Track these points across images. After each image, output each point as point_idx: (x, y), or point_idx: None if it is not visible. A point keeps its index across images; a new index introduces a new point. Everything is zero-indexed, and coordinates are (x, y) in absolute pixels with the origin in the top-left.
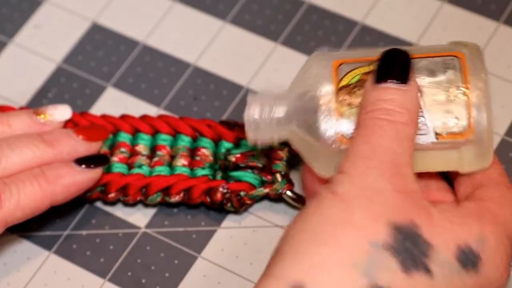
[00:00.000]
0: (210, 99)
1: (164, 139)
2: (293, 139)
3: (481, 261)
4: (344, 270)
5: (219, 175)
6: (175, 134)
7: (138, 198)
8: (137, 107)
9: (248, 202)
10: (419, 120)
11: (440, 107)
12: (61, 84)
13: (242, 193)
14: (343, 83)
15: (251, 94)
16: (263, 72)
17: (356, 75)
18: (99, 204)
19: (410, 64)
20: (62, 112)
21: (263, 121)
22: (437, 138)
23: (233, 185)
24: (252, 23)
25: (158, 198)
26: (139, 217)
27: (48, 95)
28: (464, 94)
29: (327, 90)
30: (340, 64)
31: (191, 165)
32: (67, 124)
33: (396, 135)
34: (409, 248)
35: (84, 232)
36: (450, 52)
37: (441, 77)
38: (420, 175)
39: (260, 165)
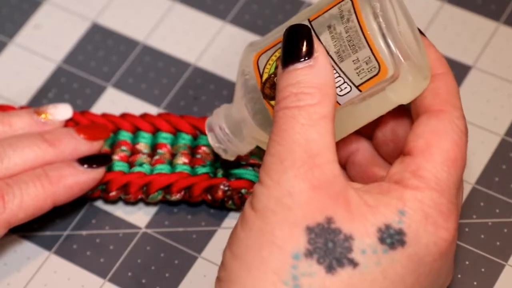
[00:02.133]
0: (210, 99)
1: (164, 137)
2: (260, 143)
3: (405, 235)
4: None
5: (220, 173)
6: (176, 132)
7: (139, 197)
8: (137, 107)
9: None
10: (336, 80)
11: (349, 59)
12: (61, 84)
13: (243, 191)
14: (265, 76)
15: (208, 119)
16: None
17: (273, 63)
18: (99, 204)
19: (311, 36)
20: (62, 111)
21: (224, 141)
22: (360, 90)
23: (234, 183)
24: (252, 23)
25: (159, 196)
26: (139, 217)
27: (48, 95)
28: (363, 35)
29: (255, 88)
30: (259, 56)
31: (192, 163)
32: (67, 123)
33: (309, 120)
34: (330, 248)
35: (84, 232)
36: None
37: (340, 28)
38: (383, 122)
39: (260, 162)
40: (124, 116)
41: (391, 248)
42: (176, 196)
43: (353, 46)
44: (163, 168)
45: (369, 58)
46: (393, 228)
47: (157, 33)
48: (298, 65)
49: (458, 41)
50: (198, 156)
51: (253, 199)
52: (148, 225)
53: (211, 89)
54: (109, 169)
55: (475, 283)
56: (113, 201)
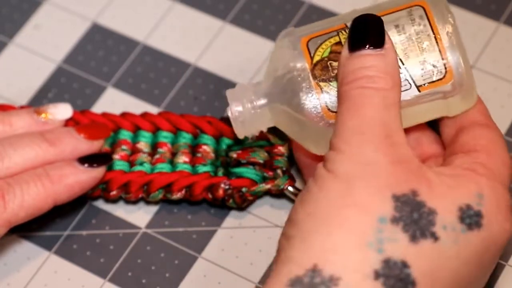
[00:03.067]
0: (210, 99)
1: (165, 136)
2: (281, 124)
3: (483, 218)
4: (356, 249)
5: (220, 172)
6: (176, 131)
7: (140, 196)
8: (137, 107)
9: (250, 198)
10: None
11: (416, 59)
12: (61, 84)
13: (244, 189)
14: (316, 58)
15: (228, 90)
16: (263, 72)
17: (327, 48)
18: (99, 204)
19: (383, 27)
20: (62, 111)
21: (247, 112)
22: (419, 91)
23: (235, 182)
24: (252, 23)
25: (159, 195)
26: (140, 217)
27: (48, 95)
28: (436, 40)
29: (302, 68)
30: (309, 41)
31: (192, 162)
32: (68, 122)
33: (384, 103)
34: (415, 218)
35: (84, 232)
36: (413, 3)
37: (409, 30)
38: (410, 130)
39: (261, 161)
40: (124, 115)
41: (468, 228)
42: (177, 195)
43: (423, 48)
44: (163, 167)
45: (438, 61)
46: (473, 209)
47: (157, 33)
48: (370, 52)
49: None
50: (199, 155)
51: (328, 163)
52: (148, 225)
53: (211, 89)
54: (110, 168)
55: None
56: (113, 201)
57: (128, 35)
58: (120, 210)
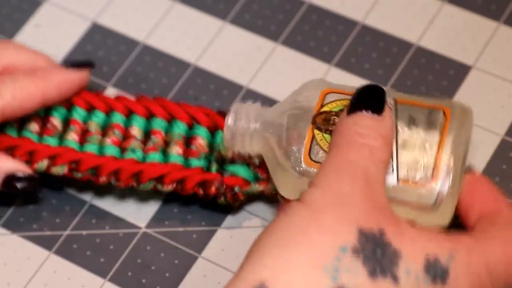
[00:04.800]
0: (210, 99)
1: (159, 123)
2: (266, 155)
3: (449, 277)
4: (309, 272)
5: (214, 167)
6: (171, 119)
7: (130, 184)
8: None
9: (242, 198)
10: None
11: (412, 152)
12: None
13: (236, 188)
14: (325, 108)
15: (237, 103)
16: (263, 72)
17: (340, 106)
18: (99, 204)
19: (384, 97)
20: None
21: (239, 129)
22: (398, 182)
23: (228, 180)
24: (252, 23)
25: (150, 185)
26: (140, 217)
27: None
28: (438, 148)
29: (307, 110)
30: (329, 93)
31: (186, 154)
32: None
33: (370, 156)
34: (378, 255)
35: (84, 232)
36: (439, 105)
37: (420, 125)
38: None
39: (256, 161)
40: (118, 98)
41: (432, 281)
42: (168, 187)
43: (423, 149)
44: (155, 156)
45: (428, 168)
46: (440, 264)
47: (157, 33)
48: (368, 114)
49: (458, 41)
50: (193, 147)
51: (301, 196)
52: (148, 225)
53: (211, 89)
54: (101, 153)
55: None
56: (114, 201)
57: (128, 35)
58: (120, 210)
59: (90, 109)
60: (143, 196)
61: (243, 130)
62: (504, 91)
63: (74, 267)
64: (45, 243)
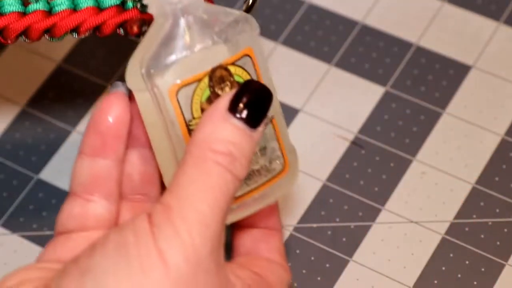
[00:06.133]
0: None
1: None
2: (151, 33)
3: None
4: None
5: (130, 2)
6: None
7: (42, 38)
8: None
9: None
10: None
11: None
12: (61, 84)
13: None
14: (233, 70)
15: None
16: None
17: (245, 78)
18: None
19: (269, 109)
20: None
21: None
22: None
23: (149, 15)
24: None
25: (65, 37)
26: None
27: (48, 95)
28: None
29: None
30: (251, 56)
31: None
32: None
33: (225, 194)
34: None
35: None
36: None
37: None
38: None
39: None
40: None
41: None
42: (85, 34)
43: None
44: (63, 1)
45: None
46: None
47: None
48: (244, 127)
49: (458, 41)
50: None
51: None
52: None
53: None
54: (0, 11)
55: (475, 283)
56: None
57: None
58: None
59: None
60: None
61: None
62: (504, 91)
63: None
64: (45, 243)
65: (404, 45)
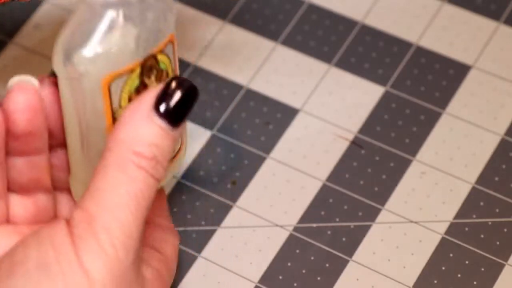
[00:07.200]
0: (210, 99)
1: None
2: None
3: None
4: None
5: None
6: None
7: None
8: None
9: None
10: None
11: None
12: None
13: None
14: (161, 58)
15: None
16: (263, 72)
17: (169, 69)
18: None
19: (193, 107)
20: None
21: None
22: None
23: None
24: (252, 23)
25: None
26: None
27: None
28: None
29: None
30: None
31: None
32: None
33: (147, 199)
34: None
35: None
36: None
37: None
38: None
39: None
40: None
41: None
42: None
43: None
44: None
45: None
46: None
47: None
48: (167, 128)
49: (458, 41)
50: None
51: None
52: None
53: (211, 88)
54: None
55: (475, 283)
56: None
57: None
58: None
59: None
60: None
61: None
62: (504, 91)
63: None
64: None
65: (404, 45)
